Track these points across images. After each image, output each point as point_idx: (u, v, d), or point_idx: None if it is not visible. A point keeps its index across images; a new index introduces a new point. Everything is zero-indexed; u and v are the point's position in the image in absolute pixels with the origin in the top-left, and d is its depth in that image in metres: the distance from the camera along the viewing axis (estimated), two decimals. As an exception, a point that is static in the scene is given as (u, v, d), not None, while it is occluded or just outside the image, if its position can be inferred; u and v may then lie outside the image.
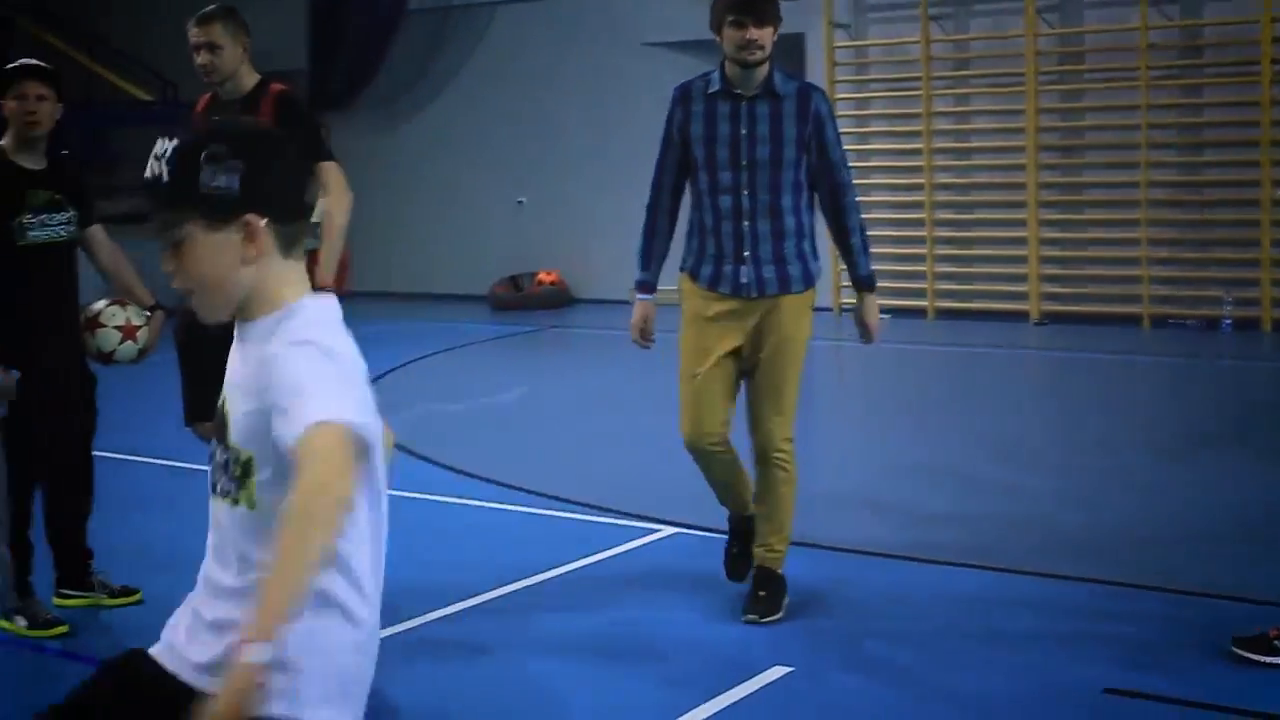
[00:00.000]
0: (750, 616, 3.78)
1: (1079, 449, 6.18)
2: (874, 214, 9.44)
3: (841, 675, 3.50)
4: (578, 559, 4.53)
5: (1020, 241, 9.88)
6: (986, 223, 10.37)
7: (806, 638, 3.73)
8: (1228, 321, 8.92)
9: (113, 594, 4.02)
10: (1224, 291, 8.96)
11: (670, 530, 4.83)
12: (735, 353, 3.83)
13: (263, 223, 1.57)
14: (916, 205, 10.32)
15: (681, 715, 3.20)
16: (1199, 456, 5.91)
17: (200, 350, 3.54)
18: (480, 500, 5.50)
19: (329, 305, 1.67)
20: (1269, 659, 3.22)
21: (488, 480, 5.83)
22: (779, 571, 3.91)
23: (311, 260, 3.92)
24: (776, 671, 3.42)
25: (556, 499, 5.37)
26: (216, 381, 1.75)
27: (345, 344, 1.62)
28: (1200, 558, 4.37)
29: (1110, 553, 4.45)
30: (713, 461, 3.92)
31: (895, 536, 4.68)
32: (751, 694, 3.30)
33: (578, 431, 7.14)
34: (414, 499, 5.20)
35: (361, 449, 1.51)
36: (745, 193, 3.75)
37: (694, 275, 3.89)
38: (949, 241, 10.44)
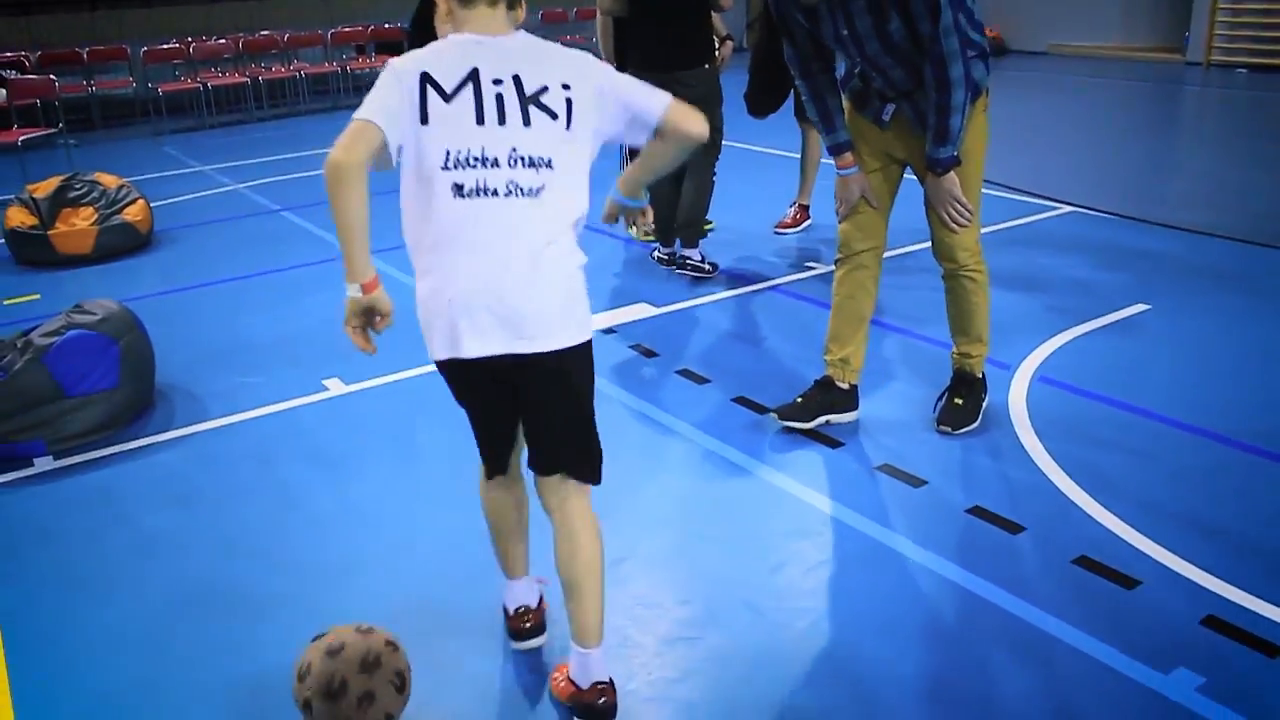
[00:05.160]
0: (944, 428, 3.62)
1: None
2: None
3: (1181, 315, 4.63)
4: (992, 225, 6.02)
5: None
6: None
7: (1161, 283, 4.97)
8: None
9: None
10: None
11: (1068, 209, 6.33)
12: (895, 161, 3.54)
13: None
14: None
15: (1061, 331, 4.46)
16: None
17: None
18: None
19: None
20: None
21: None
22: (978, 375, 3.74)
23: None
24: (1138, 307, 4.73)
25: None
26: None
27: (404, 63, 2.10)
28: None
29: None
30: (847, 277, 3.61)
31: (1234, 223, 5.94)
32: (1119, 320, 4.59)
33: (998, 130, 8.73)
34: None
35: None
36: (872, 71, 3.34)
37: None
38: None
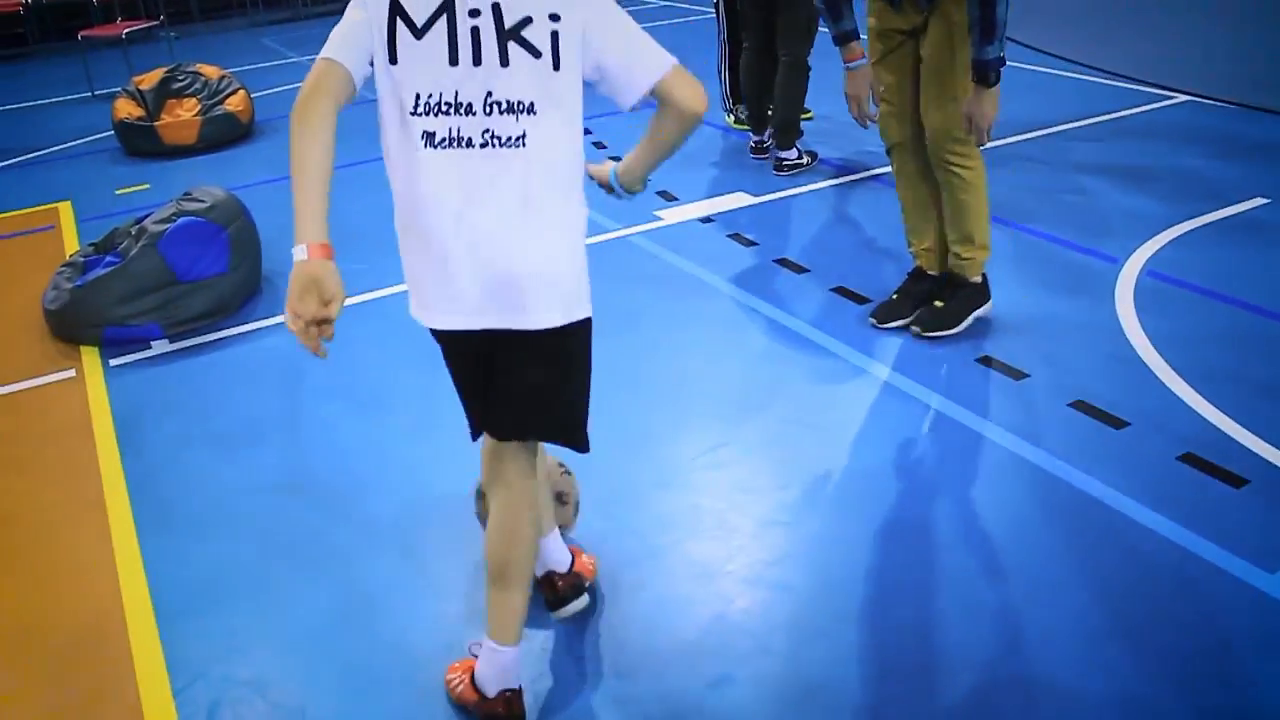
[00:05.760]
0: (914, 328, 3.54)
1: None
2: None
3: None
4: (1103, 114, 5.82)
5: None
6: None
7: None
8: None
9: None
10: None
11: (1184, 98, 6.07)
12: (911, 47, 3.36)
13: None
14: None
15: (1173, 225, 4.32)
16: None
17: None
18: (1023, 64, 6.91)
19: None
20: None
21: (1026, 45, 7.34)
22: (971, 279, 3.54)
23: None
24: (1257, 201, 4.54)
25: (1086, 65, 6.67)
26: None
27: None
28: None
29: None
30: (901, 169, 3.57)
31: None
32: (1235, 214, 4.40)
33: (1112, 15, 8.36)
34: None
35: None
36: None
37: None
38: None
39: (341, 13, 1.89)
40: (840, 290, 3.94)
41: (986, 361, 3.37)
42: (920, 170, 3.52)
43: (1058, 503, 2.69)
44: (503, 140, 1.83)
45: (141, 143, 6.36)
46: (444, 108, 1.82)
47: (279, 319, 4.01)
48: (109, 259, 4.02)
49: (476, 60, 1.81)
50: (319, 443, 3.19)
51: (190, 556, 2.72)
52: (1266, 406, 3.03)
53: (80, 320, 3.87)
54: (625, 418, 3.17)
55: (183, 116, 6.44)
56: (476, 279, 1.87)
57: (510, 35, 1.81)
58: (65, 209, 5.53)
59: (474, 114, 1.82)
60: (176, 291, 3.90)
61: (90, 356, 3.83)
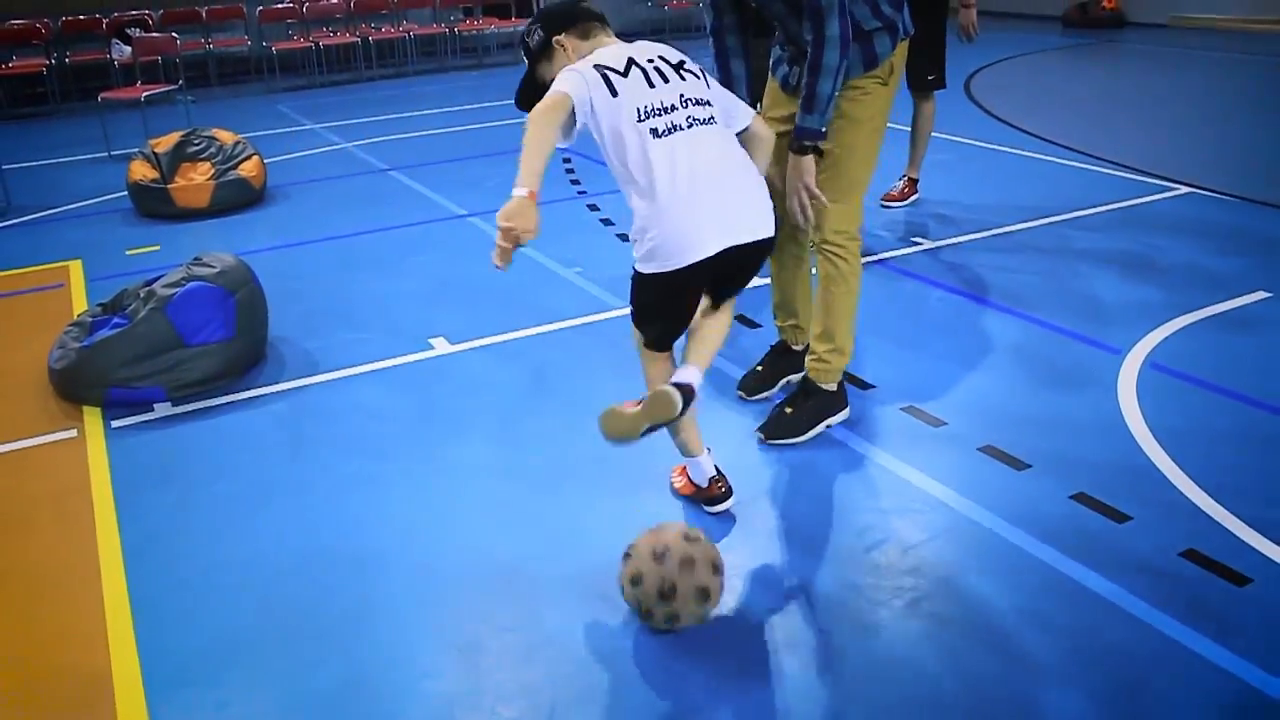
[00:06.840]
0: (759, 434, 3.48)
1: None
2: None
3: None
4: (1105, 204, 5.88)
5: None
6: None
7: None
8: None
9: None
10: None
11: (1185, 190, 6.14)
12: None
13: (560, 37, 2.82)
14: None
15: (1175, 317, 4.32)
16: None
17: None
18: (1028, 152, 7.02)
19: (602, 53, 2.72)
20: None
21: (1030, 134, 7.46)
22: (823, 387, 3.47)
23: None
24: (1259, 295, 4.55)
25: (1089, 155, 6.76)
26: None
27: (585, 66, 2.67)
28: None
29: None
30: (775, 254, 3.59)
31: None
32: (1237, 307, 4.40)
33: (1115, 105, 8.51)
34: (981, 147, 6.93)
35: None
36: (773, 21, 3.31)
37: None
38: None
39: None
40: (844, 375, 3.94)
41: (988, 451, 3.37)
42: (794, 256, 3.60)
43: (1057, 596, 2.67)
44: (701, 120, 2.71)
45: (154, 204, 6.43)
46: (657, 111, 2.66)
47: (283, 385, 4.02)
48: (116, 320, 4.04)
49: (665, 80, 2.72)
50: (319, 513, 3.18)
51: (183, 625, 2.69)
52: (1270, 503, 3.02)
53: (85, 380, 3.89)
54: (621, 503, 3.17)
55: (196, 180, 6.51)
56: (725, 210, 2.67)
57: (677, 68, 2.78)
58: (76, 268, 5.58)
59: (677, 109, 2.68)
60: (182, 355, 3.91)
61: (93, 417, 3.84)
